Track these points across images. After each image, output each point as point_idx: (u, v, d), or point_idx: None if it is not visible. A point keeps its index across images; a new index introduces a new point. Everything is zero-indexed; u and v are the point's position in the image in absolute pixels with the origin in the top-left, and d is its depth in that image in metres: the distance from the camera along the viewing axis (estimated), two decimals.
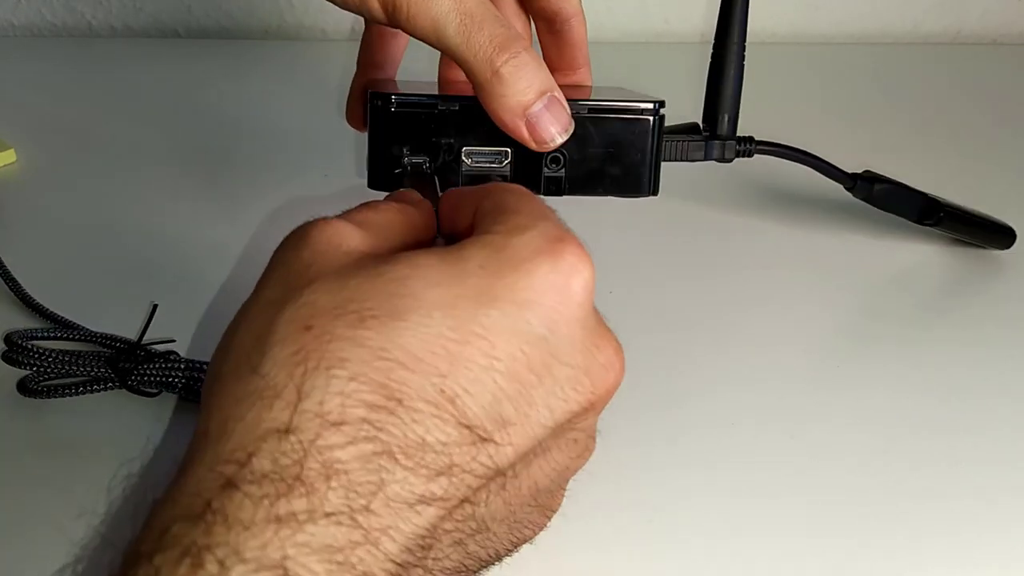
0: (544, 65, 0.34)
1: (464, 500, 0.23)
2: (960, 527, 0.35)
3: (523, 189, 0.28)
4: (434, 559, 0.24)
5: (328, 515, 0.21)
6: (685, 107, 0.67)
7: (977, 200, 0.55)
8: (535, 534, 0.29)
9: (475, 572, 0.27)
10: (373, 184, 0.38)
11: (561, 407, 0.25)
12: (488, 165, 0.37)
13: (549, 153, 0.36)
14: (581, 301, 0.25)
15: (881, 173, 0.48)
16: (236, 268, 0.49)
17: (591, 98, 0.37)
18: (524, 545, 0.29)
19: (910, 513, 0.35)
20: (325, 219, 0.27)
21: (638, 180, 0.38)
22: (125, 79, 0.71)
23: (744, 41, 0.41)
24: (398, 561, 0.22)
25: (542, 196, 0.33)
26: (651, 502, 0.36)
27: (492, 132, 0.35)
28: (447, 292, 0.24)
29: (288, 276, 0.25)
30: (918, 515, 0.35)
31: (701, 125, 0.43)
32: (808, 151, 0.45)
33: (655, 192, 0.39)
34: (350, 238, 0.26)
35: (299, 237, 0.26)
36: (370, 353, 0.22)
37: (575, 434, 0.27)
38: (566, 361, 0.25)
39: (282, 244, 0.27)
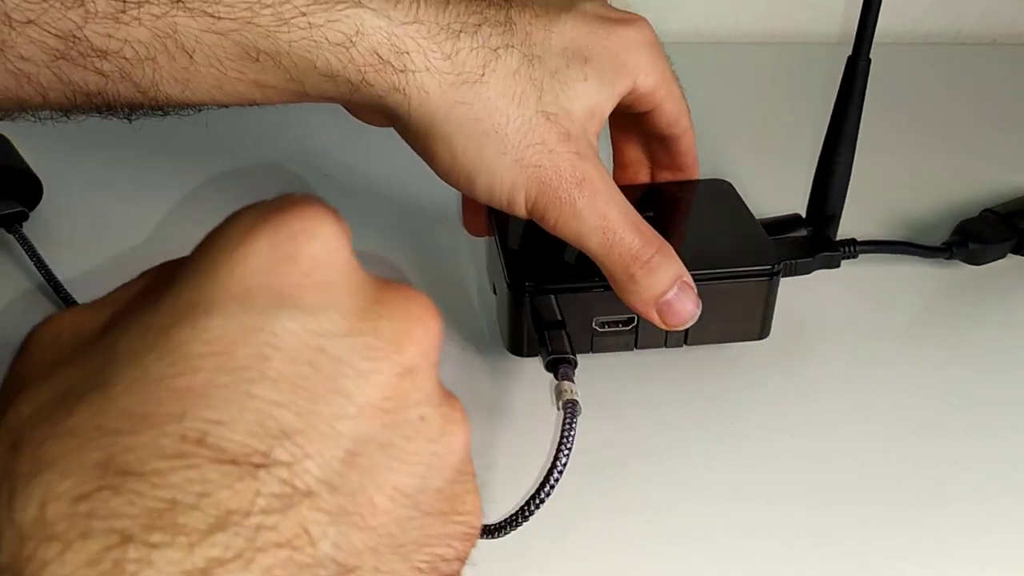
0: (675, 256, 0.36)
1: (268, 546, 0.18)
2: (960, 528, 0.35)
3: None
4: None
5: None
6: None
7: (977, 200, 0.55)
8: (459, 551, 0.23)
9: None
10: (515, 351, 0.40)
11: (362, 385, 0.20)
12: (616, 328, 0.40)
13: None
14: (323, 263, 0.21)
15: (966, 226, 0.49)
16: None
17: (713, 268, 0.39)
18: (456, 572, 0.23)
19: (911, 514, 0.35)
20: (48, 317, 0.22)
21: (753, 327, 0.41)
22: None
23: (855, 144, 0.43)
24: None
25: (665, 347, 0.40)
26: (651, 502, 0.36)
27: (620, 303, 0.37)
28: (155, 331, 0.20)
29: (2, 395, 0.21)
30: (918, 515, 0.35)
31: (804, 217, 0.45)
32: (905, 240, 0.48)
33: (767, 335, 0.41)
34: (68, 325, 0.22)
35: (21, 346, 0.22)
36: (83, 439, 0.18)
37: (416, 411, 0.21)
38: (339, 333, 0.20)
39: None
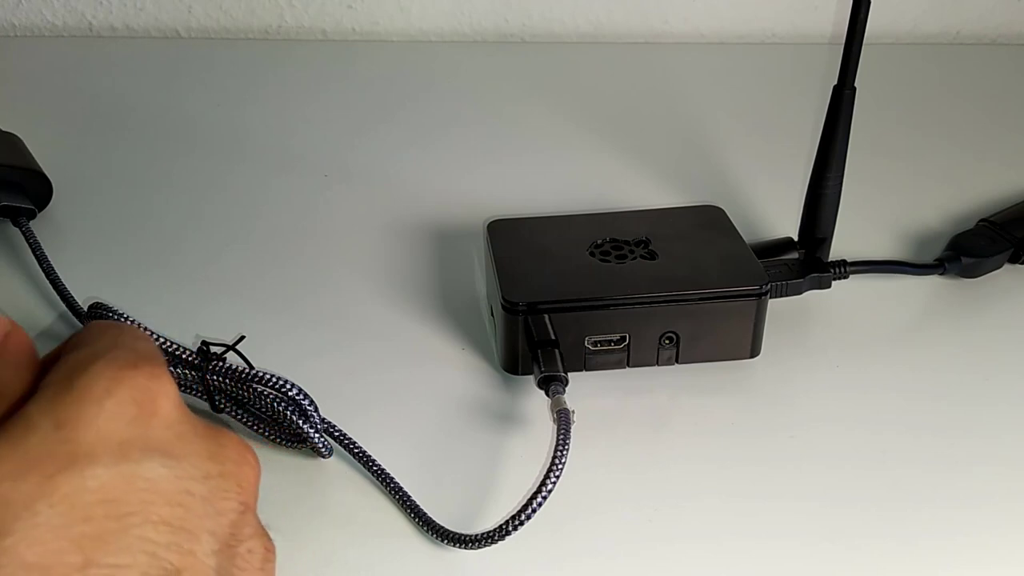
0: None
1: None
2: (962, 528, 0.35)
3: (99, 323, 0.26)
4: None
5: None
6: (685, 107, 0.67)
7: (976, 200, 0.55)
8: None
9: None
10: (509, 369, 0.42)
11: (220, 523, 0.23)
12: (608, 346, 0.40)
13: (664, 333, 0.40)
14: (177, 416, 0.23)
15: (960, 240, 0.49)
16: (232, 261, 0.49)
17: (703, 289, 0.40)
18: None
19: (911, 513, 0.35)
20: None
21: (744, 347, 0.41)
22: (125, 79, 0.71)
23: (843, 170, 0.44)
24: None
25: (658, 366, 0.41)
26: (651, 502, 0.36)
27: (613, 321, 0.39)
28: (37, 477, 0.20)
29: None
30: (918, 515, 0.35)
31: (796, 241, 0.46)
32: (896, 260, 0.49)
33: (757, 354, 0.42)
34: None
35: None
36: None
37: (247, 544, 0.24)
38: (200, 476, 0.23)
39: None
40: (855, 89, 0.41)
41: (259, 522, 0.25)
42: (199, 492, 0.23)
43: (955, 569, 0.33)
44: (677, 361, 0.41)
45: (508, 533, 0.32)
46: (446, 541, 0.33)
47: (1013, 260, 0.49)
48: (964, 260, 0.48)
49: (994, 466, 0.38)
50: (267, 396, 0.36)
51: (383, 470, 0.36)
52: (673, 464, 0.37)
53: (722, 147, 0.62)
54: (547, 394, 0.37)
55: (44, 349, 0.39)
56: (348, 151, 0.61)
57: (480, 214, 0.50)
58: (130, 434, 0.22)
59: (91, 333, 0.25)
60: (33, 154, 0.52)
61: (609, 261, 0.41)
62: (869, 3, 0.39)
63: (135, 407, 0.22)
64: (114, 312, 0.38)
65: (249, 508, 0.24)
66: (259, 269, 0.49)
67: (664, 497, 0.36)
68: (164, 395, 0.23)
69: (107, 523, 0.20)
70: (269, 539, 0.26)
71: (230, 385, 0.36)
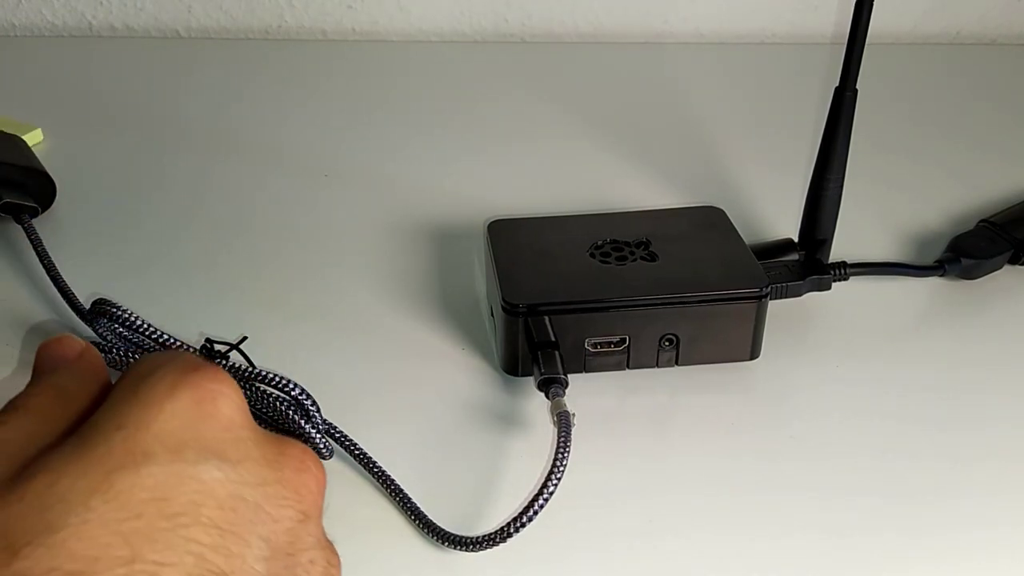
0: None
1: None
2: (962, 527, 0.35)
3: (159, 352, 0.26)
4: None
5: None
6: (684, 107, 0.67)
7: (976, 201, 0.55)
8: None
9: None
10: (509, 370, 0.42)
11: (275, 530, 0.23)
12: (608, 348, 0.40)
13: (664, 335, 0.40)
14: (237, 421, 0.23)
15: (960, 241, 0.49)
16: (232, 261, 0.49)
17: (703, 291, 0.40)
18: None
19: (911, 513, 0.35)
20: None
21: (744, 349, 0.41)
22: (125, 79, 0.71)
23: (843, 171, 0.44)
24: None
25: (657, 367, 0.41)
26: (651, 502, 0.36)
27: (613, 323, 0.39)
28: (96, 474, 0.21)
29: None
30: (919, 515, 0.35)
31: (796, 242, 0.46)
32: (896, 261, 0.49)
33: (757, 355, 0.42)
34: None
35: None
36: None
37: (308, 555, 0.24)
38: (255, 482, 0.23)
39: None
40: (856, 91, 0.41)
41: (323, 533, 0.25)
42: (252, 498, 0.23)
43: (955, 566, 0.34)
44: (677, 363, 0.41)
45: (509, 535, 0.32)
46: (447, 543, 0.33)
47: (1013, 261, 0.49)
48: (964, 261, 0.48)
49: (994, 466, 0.38)
50: (270, 396, 0.36)
51: (383, 472, 0.36)
52: (673, 464, 0.37)
53: (722, 147, 0.62)
54: (547, 396, 0.37)
55: None
56: (348, 151, 0.61)
57: (480, 214, 0.50)
58: (187, 435, 0.22)
59: (152, 356, 0.25)
60: (36, 154, 0.53)
61: (609, 262, 0.41)
62: (871, 6, 0.39)
63: (195, 408, 0.23)
64: (118, 308, 0.38)
65: (310, 517, 0.24)
66: (259, 268, 0.49)
67: (664, 497, 0.36)
68: (224, 397, 0.23)
69: (157, 521, 0.21)
70: (334, 552, 0.26)
71: None
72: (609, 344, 0.40)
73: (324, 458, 0.37)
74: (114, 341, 0.39)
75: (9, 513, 0.20)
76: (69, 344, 0.27)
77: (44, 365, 0.26)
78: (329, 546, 0.26)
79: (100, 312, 0.38)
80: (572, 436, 0.34)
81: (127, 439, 0.22)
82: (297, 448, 0.25)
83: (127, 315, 0.38)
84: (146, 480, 0.21)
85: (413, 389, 0.41)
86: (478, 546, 0.33)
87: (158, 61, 0.74)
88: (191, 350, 0.37)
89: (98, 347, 0.39)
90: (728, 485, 0.37)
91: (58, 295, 0.44)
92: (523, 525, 0.32)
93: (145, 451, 0.21)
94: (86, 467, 0.21)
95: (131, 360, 0.38)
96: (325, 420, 0.37)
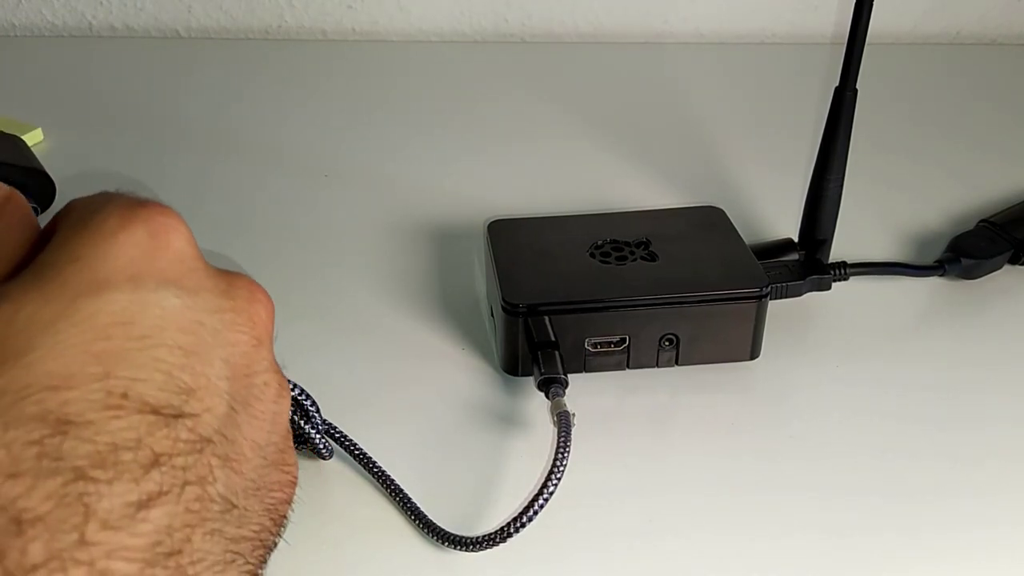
0: None
1: (186, 483, 0.22)
2: (961, 526, 0.35)
3: (96, 194, 0.26)
4: (192, 562, 0.22)
5: (34, 569, 0.19)
6: (685, 107, 0.67)
7: (976, 201, 0.55)
8: (288, 496, 0.28)
9: (254, 559, 0.25)
10: (509, 370, 0.42)
11: (232, 353, 0.25)
12: (608, 348, 0.40)
13: (664, 335, 0.40)
14: (190, 252, 0.25)
15: (960, 241, 0.49)
16: (232, 261, 0.49)
17: (703, 291, 0.40)
18: (286, 513, 0.28)
19: (911, 513, 0.35)
20: None
21: (744, 349, 0.41)
22: (125, 79, 0.71)
23: (844, 171, 0.44)
24: None
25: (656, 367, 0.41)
26: (652, 502, 0.36)
27: (613, 323, 0.39)
28: (59, 302, 0.22)
29: None
30: (919, 515, 0.35)
31: (796, 242, 0.46)
32: (896, 261, 0.49)
33: (757, 355, 0.42)
34: None
35: None
36: (14, 398, 0.20)
37: (263, 377, 0.26)
38: (212, 309, 0.24)
39: None
40: (856, 91, 0.41)
41: (274, 359, 0.27)
42: (210, 323, 0.24)
43: (955, 566, 0.34)
44: (677, 363, 0.41)
45: (509, 535, 0.32)
46: (447, 543, 0.33)
47: (1013, 261, 0.49)
48: (964, 261, 0.48)
49: (994, 466, 0.38)
50: None
51: (383, 472, 0.36)
52: (673, 464, 0.37)
53: (722, 147, 0.62)
54: (547, 396, 0.37)
55: None
56: (348, 151, 0.61)
57: (480, 214, 0.50)
58: (144, 266, 0.23)
59: (89, 197, 0.25)
60: (36, 154, 0.53)
61: (609, 262, 0.41)
62: (871, 6, 0.39)
63: (149, 240, 0.23)
64: None
65: (262, 343, 0.26)
66: (259, 268, 0.49)
67: (664, 497, 0.36)
68: (175, 231, 0.24)
69: (125, 343, 0.22)
70: (284, 378, 0.28)
71: None
72: (609, 344, 0.40)
73: (324, 458, 0.37)
74: None
75: None
76: None
77: None
78: (280, 372, 0.27)
79: None
80: (572, 436, 0.34)
81: (85, 269, 0.22)
82: (245, 279, 0.26)
83: None
84: (111, 306, 0.22)
85: (413, 389, 0.41)
86: (478, 546, 0.33)
87: (158, 61, 0.74)
88: None
89: None
90: (728, 485, 0.37)
91: None
92: (523, 525, 0.32)
93: (106, 279, 0.22)
94: (47, 296, 0.22)
95: None
96: (325, 420, 0.37)
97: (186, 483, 0.22)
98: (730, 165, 0.59)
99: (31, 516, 0.19)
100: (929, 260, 0.49)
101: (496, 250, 0.43)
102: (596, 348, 0.40)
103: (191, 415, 0.23)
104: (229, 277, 0.26)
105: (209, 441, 0.23)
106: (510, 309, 0.39)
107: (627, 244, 0.43)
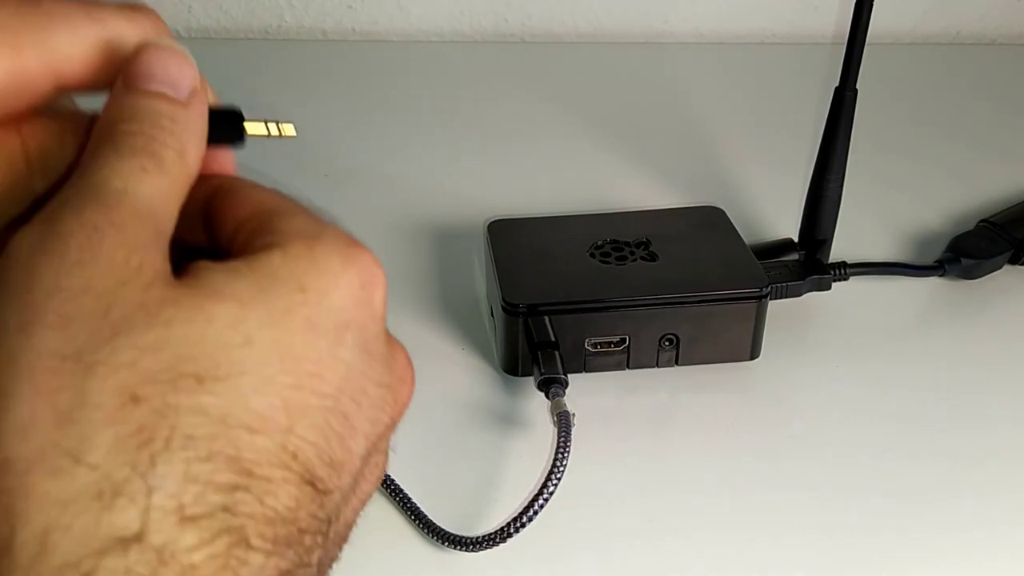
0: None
1: (304, 566, 0.20)
2: (961, 525, 0.35)
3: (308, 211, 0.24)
4: None
5: None
6: (684, 107, 0.67)
7: (976, 201, 0.55)
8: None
9: None
10: (509, 370, 0.42)
11: (373, 432, 0.22)
12: (608, 348, 0.40)
13: (664, 335, 0.40)
14: (381, 314, 0.23)
15: (960, 241, 0.49)
16: None
17: (703, 291, 0.40)
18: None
19: (911, 512, 0.36)
20: (108, 217, 0.20)
21: (744, 349, 0.41)
22: None
23: (844, 171, 0.44)
24: None
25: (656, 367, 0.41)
26: (651, 501, 0.36)
27: (613, 323, 0.39)
28: (281, 330, 0.20)
29: (72, 316, 0.18)
30: (918, 514, 0.35)
31: (796, 242, 0.46)
32: (895, 261, 0.49)
33: (757, 355, 0.42)
34: (149, 255, 0.20)
35: (71, 249, 0.19)
36: (216, 423, 0.19)
37: (377, 457, 0.24)
38: (376, 380, 0.22)
39: (31, 254, 0.19)
40: (856, 91, 0.41)
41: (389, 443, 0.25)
42: (372, 395, 0.22)
43: (955, 566, 0.34)
44: (677, 363, 0.41)
45: (509, 535, 0.32)
46: (447, 543, 0.33)
47: (1013, 261, 0.49)
48: (964, 261, 0.48)
49: (994, 466, 0.38)
50: None
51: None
52: (673, 464, 0.37)
53: (722, 147, 0.62)
54: (547, 396, 0.37)
55: None
56: (348, 151, 0.61)
57: (480, 214, 0.50)
58: (350, 316, 0.22)
59: (303, 211, 0.23)
60: None
61: (609, 262, 0.41)
62: (871, 6, 0.39)
63: (360, 290, 0.22)
64: None
65: (393, 427, 0.24)
66: None
67: (664, 497, 0.36)
68: (381, 286, 0.23)
69: (310, 397, 0.20)
70: (387, 462, 0.25)
71: None
72: (609, 344, 0.40)
73: None
74: None
75: (196, 334, 0.19)
76: (182, 73, 0.23)
77: (153, 103, 0.22)
78: (388, 455, 0.25)
79: None
80: (572, 436, 0.34)
81: (307, 305, 0.21)
82: (405, 355, 0.24)
83: None
84: (314, 352, 0.20)
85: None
86: (478, 546, 0.33)
87: None
88: None
89: None
90: (728, 485, 0.37)
91: None
92: (523, 525, 0.32)
93: (319, 321, 0.21)
94: (273, 316, 0.20)
95: None
96: None
97: (303, 564, 0.20)
98: (730, 165, 0.59)
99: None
100: (929, 260, 0.49)
101: (496, 250, 0.43)
102: (596, 348, 0.40)
103: (328, 492, 0.21)
104: (394, 348, 0.24)
105: (330, 522, 0.21)
106: (510, 309, 0.39)
107: (627, 244, 0.42)
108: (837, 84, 0.41)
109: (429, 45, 0.79)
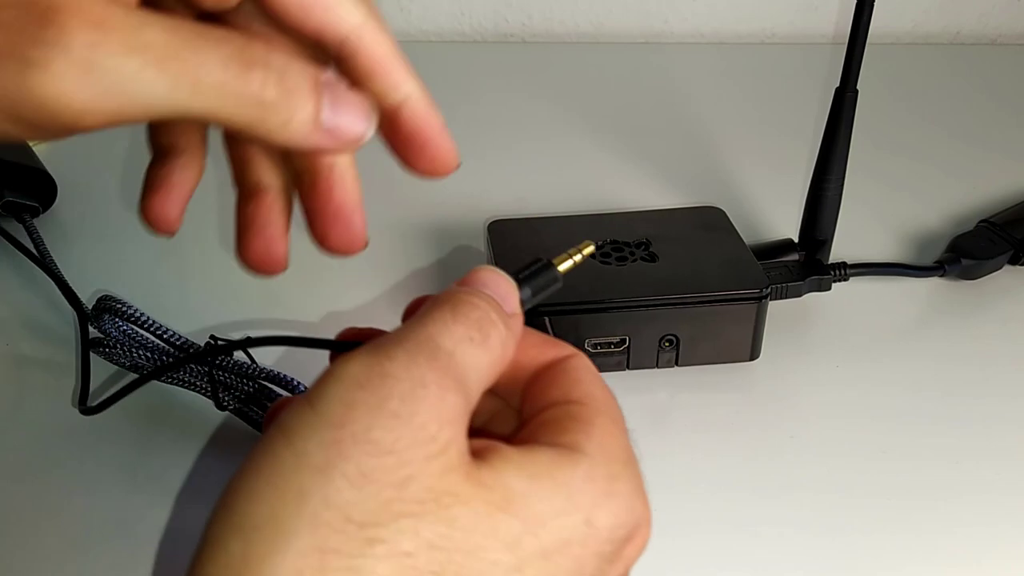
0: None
1: None
2: (961, 525, 0.35)
3: (588, 363, 0.26)
4: None
5: None
6: (685, 107, 0.67)
7: (976, 201, 0.55)
8: None
9: None
10: None
11: None
12: (608, 349, 0.40)
13: (664, 336, 0.40)
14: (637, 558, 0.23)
15: (960, 241, 0.49)
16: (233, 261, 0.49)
17: (703, 291, 0.40)
18: None
19: (910, 512, 0.36)
20: (435, 377, 0.20)
21: (744, 349, 0.41)
22: None
23: (844, 172, 0.44)
24: None
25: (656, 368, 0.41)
26: (650, 501, 0.36)
27: (613, 323, 0.39)
28: (552, 564, 0.20)
29: (371, 476, 0.18)
30: (918, 515, 0.35)
31: (796, 242, 0.46)
32: (896, 262, 0.49)
33: (757, 356, 0.42)
34: (457, 433, 0.20)
35: (393, 397, 0.19)
36: None
37: None
38: (596, 551, 0.22)
39: (353, 387, 0.19)
40: (857, 92, 0.41)
41: None
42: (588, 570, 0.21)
43: (955, 566, 0.34)
44: (677, 363, 0.41)
45: None
46: None
47: (1013, 261, 0.49)
48: (964, 262, 0.48)
49: (994, 466, 0.38)
50: (274, 393, 0.36)
51: None
52: (673, 464, 0.37)
53: (722, 147, 0.62)
54: None
55: (44, 347, 0.39)
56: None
57: (480, 214, 0.50)
58: (617, 557, 0.22)
59: (593, 383, 0.25)
60: (36, 153, 0.53)
61: (610, 263, 0.41)
62: (871, 6, 0.39)
63: (630, 546, 0.23)
64: (123, 304, 0.38)
65: None
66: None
67: (664, 497, 0.36)
68: (645, 544, 0.24)
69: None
70: None
71: (237, 380, 0.36)
72: (609, 344, 0.40)
73: None
74: (118, 337, 0.39)
75: (475, 544, 0.19)
76: (510, 294, 0.25)
77: (490, 319, 0.23)
78: None
79: (105, 308, 0.39)
80: None
81: (586, 544, 0.21)
82: (646, 516, 0.24)
83: (132, 311, 0.38)
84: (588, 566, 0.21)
85: None
86: None
87: None
88: (195, 348, 0.37)
89: (102, 343, 0.39)
90: (728, 485, 0.37)
91: (59, 293, 0.44)
92: None
93: (585, 563, 0.21)
94: (552, 546, 0.20)
95: (135, 354, 0.38)
96: None
97: None
98: (730, 165, 0.59)
99: None
100: (929, 260, 0.49)
101: (496, 250, 0.43)
102: (596, 349, 0.40)
103: None
104: (634, 498, 0.24)
105: None
106: None
107: (627, 245, 0.43)
108: (837, 85, 0.41)
109: (429, 45, 0.79)
